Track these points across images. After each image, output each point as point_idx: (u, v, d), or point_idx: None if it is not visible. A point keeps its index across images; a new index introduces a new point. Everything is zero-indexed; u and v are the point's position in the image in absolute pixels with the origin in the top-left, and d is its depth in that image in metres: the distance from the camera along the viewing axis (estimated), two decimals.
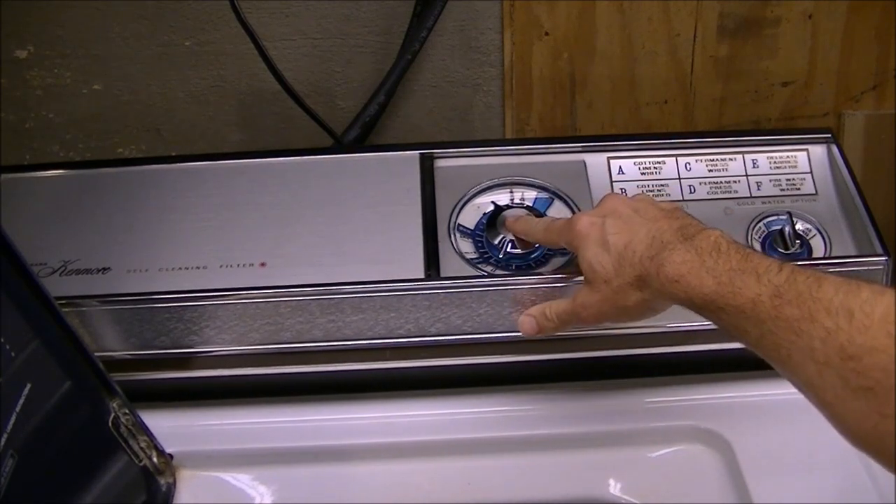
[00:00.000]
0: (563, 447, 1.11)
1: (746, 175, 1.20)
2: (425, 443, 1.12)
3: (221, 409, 1.15)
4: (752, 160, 1.21)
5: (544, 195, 1.19)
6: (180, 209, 1.18)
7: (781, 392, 1.12)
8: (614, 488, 1.09)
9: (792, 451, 1.07)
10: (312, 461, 1.11)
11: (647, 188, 1.19)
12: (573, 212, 1.17)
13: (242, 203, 1.18)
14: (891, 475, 1.02)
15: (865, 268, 1.10)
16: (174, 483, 1.08)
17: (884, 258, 1.10)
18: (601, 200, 1.05)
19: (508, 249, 1.15)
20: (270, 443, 1.12)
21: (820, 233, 1.15)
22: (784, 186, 1.19)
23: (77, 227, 1.17)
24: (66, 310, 0.97)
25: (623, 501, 1.08)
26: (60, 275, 1.12)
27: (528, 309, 1.09)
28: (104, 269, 1.13)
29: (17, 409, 0.88)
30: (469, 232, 1.17)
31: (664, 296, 0.93)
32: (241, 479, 1.10)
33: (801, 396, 1.13)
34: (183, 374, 1.12)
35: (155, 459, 1.06)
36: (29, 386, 0.89)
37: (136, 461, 1.03)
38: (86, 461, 0.98)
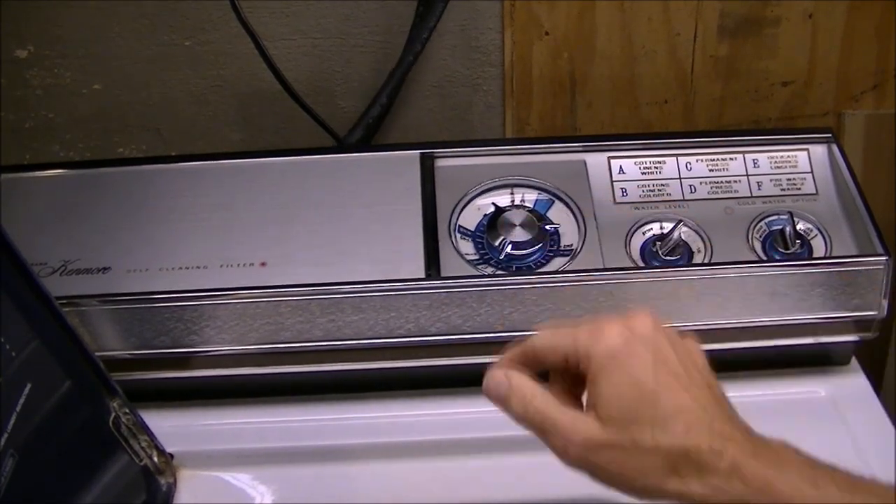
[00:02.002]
0: None
1: (747, 175, 1.20)
2: (425, 442, 1.13)
3: (222, 408, 1.15)
4: (753, 160, 1.21)
5: (545, 196, 1.19)
6: (180, 209, 1.18)
7: (781, 392, 1.13)
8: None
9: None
10: (313, 461, 1.11)
11: (647, 188, 1.19)
12: (573, 213, 1.17)
13: (242, 203, 1.18)
14: (890, 476, 1.03)
15: (866, 268, 1.10)
16: (174, 483, 1.07)
17: (884, 258, 1.10)
18: (631, 317, 0.84)
19: (509, 250, 1.15)
20: (271, 442, 1.13)
21: (820, 233, 1.15)
22: (785, 186, 1.19)
23: (77, 227, 1.17)
24: (67, 309, 0.97)
25: (624, 501, 1.08)
26: (60, 274, 1.12)
27: (507, 365, 0.90)
28: (104, 268, 1.13)
29: (18, 408, 0.88)
30: (469, 233, 1.17)
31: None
32: (241, 479, 1.10)
33: (797, 398, 1.14)
34: (183, 374, 1.12)
35: (155, 459, 1.05)
36: (29, 386, 0.89)
37: (137, 461, 1.03)
38: (86, 461, 0.98)
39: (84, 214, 1.18)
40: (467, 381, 1.14)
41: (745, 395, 1.10)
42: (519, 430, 1.10)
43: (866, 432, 1.08)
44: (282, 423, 1.14)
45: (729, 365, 1.12)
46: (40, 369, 0.92)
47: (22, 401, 0.88)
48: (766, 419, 1.08)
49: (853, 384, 1.14)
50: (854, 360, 1.16)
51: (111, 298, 1.09)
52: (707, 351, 1.10)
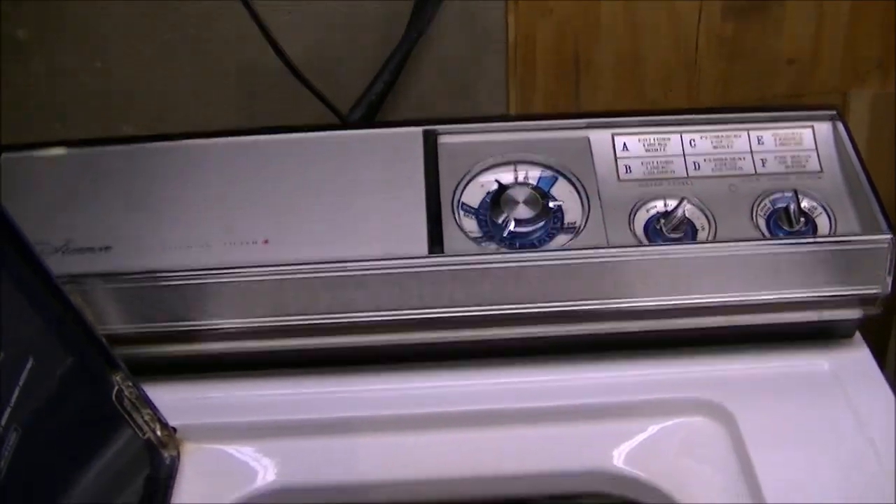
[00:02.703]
0: (565, 419, 1.11)
1: (751, 152, 1.20)
2: (429, 415, 1.12)
3: (225, 382, 1.15)
4: (758, 137, 1.20)
5: (548, 173, 1.19)
6: (182, 187, 1.17)
7: (785, 365, 1.13)
8: (617, 460, 1.09)
9: (795, 423, 1.07)
10: (317, 433, 1.11)
11: (651, 165, 1.18)
12: (577, 190, 1.17)
13: (245, 180, 1.18)
14: (891, 446, 1.03)
15: (870, 245, 1.10)
16: (178, 456, 1.08)
17: (888, 236, 1.10)
18: None
19: (512, 228, 1.15)
20: (274, 415, 1.12)
21: (825, 210, 1.15)
22: (789, 163, 1.19)
23: (79, 206, 1.16)
24: (69, 287, 0.97)
25: (626, 473, 1.08)
26: (63, 253, 1.12)
27: None
28: (106, 247, 1.12)
29: (20, 384, 0.87)
30: (473, 210, 1.17)
31: None
32: (245, 452, 1.10)
33: (804, 369, 1.14)
34: (186, 349, 1.12)
35: (159, 433, 1.05)
36: (31, 361, 0.89)
37: (140, 434, 1.03)
38: (89, 435, 0.98)
39: (86, 193, 1.17)
40: (471, 355, 1.15)
41: (749, 367, 1.13)
42: (522, 403, 1.11)
43: (869, 406, 1.08)
44: (286, 396, 1.14)
45: (732, 339, 1.13)
46: (42, 345, 0.92)
47: (24, 376, 0.88)
48: (770, 392, 1.10)
49: (857, 358, 1.14)
50: (858, 335, 1.16)
51: (114, 277, 1.09)
52: (711, 325, 1.12)
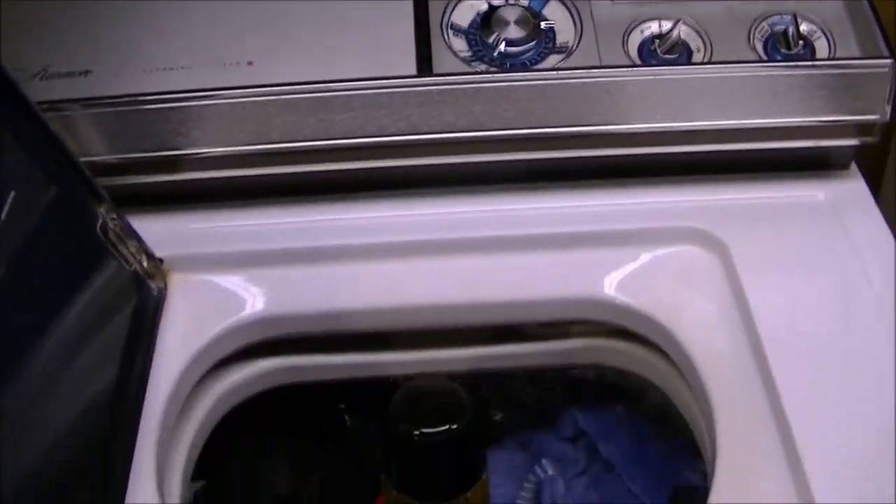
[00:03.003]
0: (557, 247, 1.10)
1: None
2: (418, 243, 1.11)
3: (212, 211, 1.13)
4: None
5: None
6: (164, 7, 1.14)
7: (780, 195, 1.12)
8: (608, 288, 1.08)
9: (789, 254, 1.07)
10: (306, 262, 1.10)
11: None
12: (569, 10, 1.14)
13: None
14: (887, 276, 1.03)
15: (869, 70, 1.07)
16: (165, 287, 1.07)
17: (889, 61, 1.07)
18: None
19: (502, 48, 1.12)
20: (263, 244, 1.11)
21: (824, 34, 1.12)
22: None
23: (56, 30, 1.12)
24: (49, 115, 0.94)
25: (617, 301, 1.08)
26: (40, 79, 1.08)
27: None
28: (86, 71, 1.09)
29: (2, 217, 0.86)
30: (462, 31, 1.14)
31: None
32: (233, 281, 1.09)
33: (799, 200, 1.13)
34: (171, 178, 1.10)
35: (145, 264, 1.04)
36: (12, 194, 0.87)
37: (126, 266, 1.02)
38: (74, 268, 0.97)
39: (63, 16, 1.13)
40: (461, 180, 1.14)
41: (743, 197, 1.12)
42: (513, 230, 1.10)
43: (863, 236, 1.07)
44: (273, 225, 1.12)
45: (727, 166, 1.12)
46: (23, 177, 0.90)
47: (6, 209, 0.86)
48: (764, 221, 1.09)
49: (852, 189, 1.13)
50: (854, 166, 1.14)
51: (94, 102, 1.06)
52: (707, 152, 1.10)
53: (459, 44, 1.13)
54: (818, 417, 0.92)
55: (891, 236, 1.07)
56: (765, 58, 1.11)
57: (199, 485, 1.19)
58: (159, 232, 1.07)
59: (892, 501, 0.78)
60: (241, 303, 1.08)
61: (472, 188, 1.14)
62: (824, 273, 1.05)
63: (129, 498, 0.89)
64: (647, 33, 1.13)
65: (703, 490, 0.98)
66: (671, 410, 1.11)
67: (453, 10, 1.14)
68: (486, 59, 1.12)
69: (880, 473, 0.88)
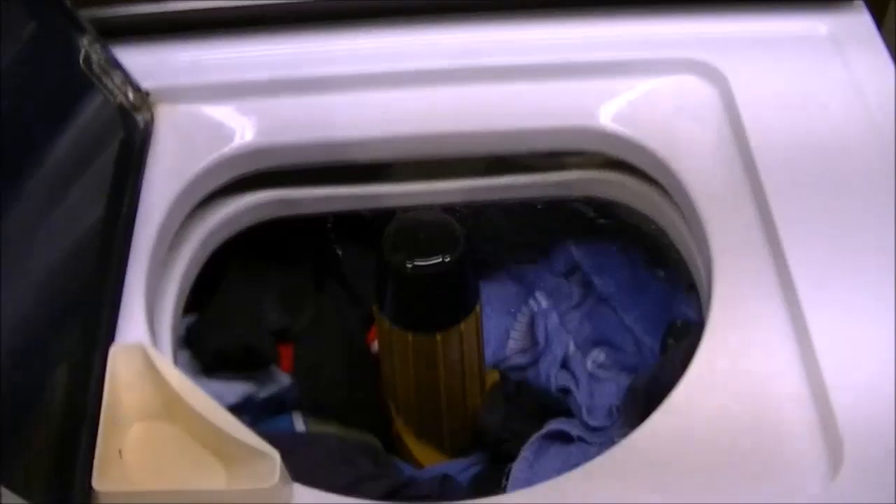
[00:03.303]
0: (552, 76, 1.08)
1: None
2: (414, 71, 1.09)
3: (199, 41, 1.10)
4: None
5: None
6: None
7: (781, 27, 1.10)
8: (604, 117, 1.06)
9: (789, 85, 1.05)
10: (298, 91, 1.08)
11: None
12: None
13: None
14: (888, 108, 1.01)
15: None
16: (152, 119, 1.05)
17: None
18: None
19: None
20: (253, 74, 1.09)
21: None
22: None
23: None
24: None
25: (612, 130, 1.06)
26: None
27: None
28: None
29: None
30: None
31: None
32: (222, 112, 1.07)
33: (802, 32, 1.10)
34: (156, 7, 1.07)
35: (131, 96, 1.02)
36: None
37: (112, 99, 1.00)
38: (59, 104, 0.95)
39: None
40: (455, 7, 1.11)
41: (744, 28, 1.09)
42: (509, 59, 1.08)
43: (865, 70, 1.05)
44: (264, 54, 1.10)
45: None
46: (4, 11, 0.88)
47: None
48: (765, 53, 1.07)
49: (856, 22, 1.10)
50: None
51: None
52: None
53: None
54: (814, 248, 0.92)
55: (892, 68, 1.05)
56: None
57: (190, 320, 1.20)
58: (145, 63, 1.05)
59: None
60: (230, 134, 1.06)
61: (466, 16, 1.11)
62: (824, 106, 1.03)
63: (119, 335, 0.89)
64: None
65: (697, 324, 0.98)
66: (666, 245, 1.11)
67: None
68: None
69: (875, 297, 0.88)
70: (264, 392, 1.20)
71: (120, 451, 0.83)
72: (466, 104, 1.08)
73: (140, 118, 1.04)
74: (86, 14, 0.97)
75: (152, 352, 0.85)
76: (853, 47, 1.07)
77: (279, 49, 1.10)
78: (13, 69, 0.88)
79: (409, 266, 1.03)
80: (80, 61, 0.97)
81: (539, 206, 1.28)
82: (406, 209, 1.11)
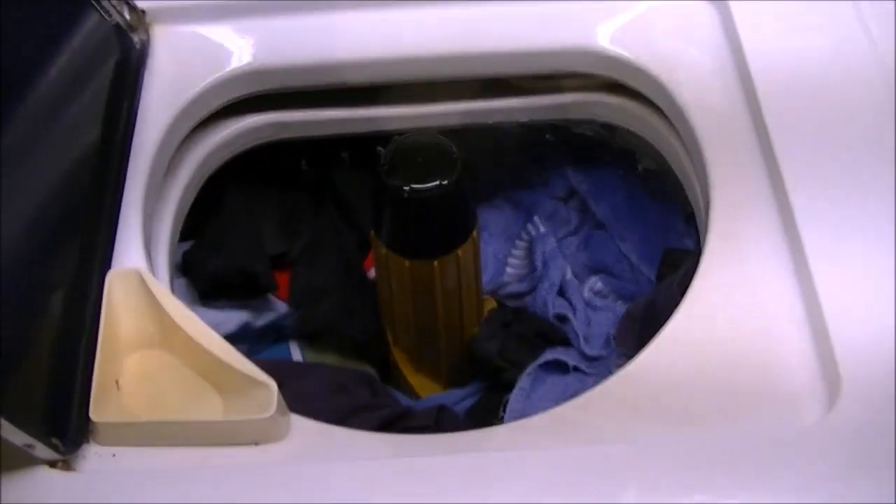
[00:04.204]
0: None
1: None
2: None
3: None
4: None
5: None
6: None
7: None
8: (602, 38, 1.05)
9: (789, 9, 1.03)
10: (295, 11, 1.07)
11: None
12: None
13: None
14: (887, 31, 1.00)
15: None
16: (148, 39, 1.04)
17: None
18: None
19: None
20: None
21: None
22: None
23: None
24: None
25: (610, 52, 1.05)
26: None
27: None
28: None
29: None
30: None
31: None
32: (219, 33, 1.06)
33: None
34: None
35: (127, 15, 1.01)
36: None
37: (107, 18, 0.99)
38: (53, 22, 0.94)
39: None
40: None
41: None
42: None
43: None
44: None
45: None
46: None
47: None
48: None
49: None
50: None
51: None
52: None
53: None
54: (813, 173, 0.91)
55: None
56: None
57: (187, 246, 1.20)
58: None
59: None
60: (227, 55, 1.05)
61: None
62: (824, 28, 1.01)
63: (116, 259, 0.88)
64: None
65: (694, 252, 0.97)
66: (664, 171, 1.10)
67: None
68: None
69: (875, 230, 0.87)
70: (261, 320, 1.21)
71: (117, 382, 0.83)
72: (463, 25, 1.07)
73: (136, 38, 1.02)
74: None
75: (149, 278, 0.85)
76: None
77: None
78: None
79: (407, 190, 1.02)
80: None
81: (540, 130, 1.27)
82: (403, 132, 1.10)
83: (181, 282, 1.18)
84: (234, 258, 1.17)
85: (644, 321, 1.05)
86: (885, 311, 0.82)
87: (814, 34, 1.02)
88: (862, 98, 0.96)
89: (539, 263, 1.25)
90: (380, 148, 1.08)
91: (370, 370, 1.22)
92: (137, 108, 0.99)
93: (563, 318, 1.22)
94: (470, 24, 1.07)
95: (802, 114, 0.96)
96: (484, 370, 1.21)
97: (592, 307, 1.23)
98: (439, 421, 1.07)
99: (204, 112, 1.04)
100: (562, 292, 1.23)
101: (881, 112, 0.95)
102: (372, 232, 1.12)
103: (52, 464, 0.77)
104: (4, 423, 0.70)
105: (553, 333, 1.20)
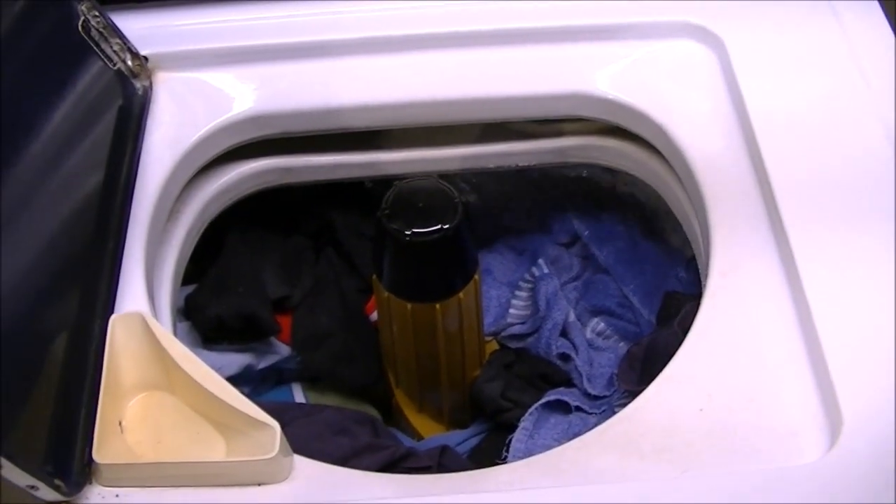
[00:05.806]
0: (548, 41, 1.08)
1: None
2: (409, 37, 1.09)
3: (198, 6, 1.10)
4: None
5: None
6: None
7: None
8: (601, 83, 1.06)
9: (786, 50, 1.05)
10: (296, 58, 1.08)
11: None
12: None
13: None
14: (886, 74, 1.01)
15: None
16: (151, 85, 1.05)
17: None
18: None
19: None
20: (251, 40, 1.09)
21: None
22: None
23: None
24: None
25: (609, 97, 1.06)
26: None
27: None
28: None
29: None
30: None
31: None
32: (221, 79, 1.07)
33: None
34: None
35: (129, 62, 1.02)
36: None
37: (110, 65, 1.00)
38: (57, 70, 0.95)
39: None
40: None
41: None
42: (506, 23, 1.07)
43: (863, 36, 1.05)
44: (262, 20, 1.10)
45: None
46: None
47: None
48: (763, 17, 1.08)
49: None
50: None
51: None
52: None
53: None
54: (812, 213, 0.92)
55: (891, 33, 1.05)
56: None
57: (189, 289, 1.20)
58: (143, 29, 1.05)
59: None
60: (229, 101, 1.06)
61: None
62: (822, 70, 1.03)
63: (118, 304, 0.89)
64: None
65: (695, 295, 0.98)
66: (664, 213, 1.10)
67: None
68: None
69: (874, 265, 0.88)
70: (263, 363, 1.21)
71: (120, 423, 0.83)
72: (464, 70, 1.08)
73: (138, 85, 1.03)
74: None
75: (152, 321, 0.85)
76: (851, 10, 1.07)
77: (277, 15, 1.09)
78: (11, 34, 0.88)
79: (408, 234, 1.03)
80: (79, 27, 0.96)
81: (536, 175, 1.27)
82: (404, 177, 1.11)
83: (184, 325, 1.18)
84: (236, 302, 1.17)
85: (646, 361, 1.05)
86: (885, 347, 0.82)
87: (810, 75, 1.03)
88: (858, 138, 0.97)
89: (542, 304, 1.25)
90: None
91: (372, 411, 1.22)
92: (140, 153, 1.00)
93: (566, 358, 1.22)
94: (470, 69, 1.08)
95: (800, 154, 0.96)
96: (486, 411, 1.21)
97: (595, 347, 1.23)
98: (442, 461, 1.06)
99: (206, 157, 1.05)
100: (564, 333, 1.23)
101: (877, 152, 0.96)
102: (374, 275, 1.12)
103: None
104: (8, 464, 0.70)
105: (555, 374, 1.21)
